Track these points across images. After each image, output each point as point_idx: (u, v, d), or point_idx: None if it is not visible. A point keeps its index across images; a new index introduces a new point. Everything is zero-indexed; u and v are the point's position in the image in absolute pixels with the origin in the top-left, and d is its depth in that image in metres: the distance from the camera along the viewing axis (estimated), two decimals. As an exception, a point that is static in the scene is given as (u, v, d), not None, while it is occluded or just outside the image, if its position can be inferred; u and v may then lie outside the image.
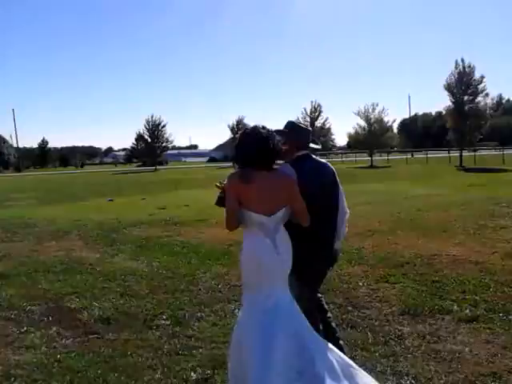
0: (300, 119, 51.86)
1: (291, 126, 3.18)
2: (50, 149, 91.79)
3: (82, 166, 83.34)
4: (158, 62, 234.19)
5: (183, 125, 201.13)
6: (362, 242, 7.33)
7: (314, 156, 3.20)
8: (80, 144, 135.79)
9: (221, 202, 2.88)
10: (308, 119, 51.36)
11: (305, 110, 52.69)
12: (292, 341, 2.57)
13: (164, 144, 55.27)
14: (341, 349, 3.01)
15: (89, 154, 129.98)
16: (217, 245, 7.71)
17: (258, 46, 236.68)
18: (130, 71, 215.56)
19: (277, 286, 2.69)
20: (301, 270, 2.86)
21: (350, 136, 47.12)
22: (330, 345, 2.81)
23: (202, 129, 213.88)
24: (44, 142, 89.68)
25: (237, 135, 2.91)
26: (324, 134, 53.11)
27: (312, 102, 52.98)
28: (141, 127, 56.72)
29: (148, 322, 4.38)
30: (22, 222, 11.27)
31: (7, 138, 79.93)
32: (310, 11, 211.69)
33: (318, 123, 52.29)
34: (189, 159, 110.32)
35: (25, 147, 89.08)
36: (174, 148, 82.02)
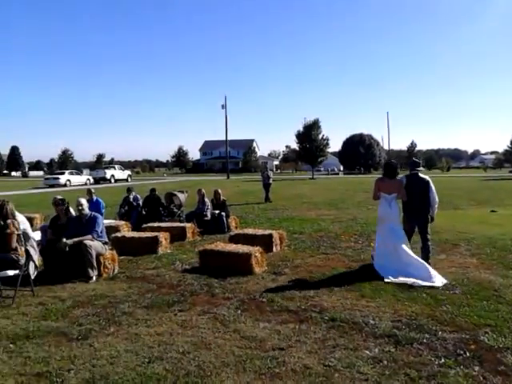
0: None
1: (412, 160, 7.50)
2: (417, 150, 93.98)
3: (448, 170, 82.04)
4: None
5: None
6: None
7: (419, 174, 7.18)
8: (445, 146, 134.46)
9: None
10: None
11: None
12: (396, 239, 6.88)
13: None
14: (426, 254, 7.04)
15: (453, 157, 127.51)
16: None
17: None
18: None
19: (393, 221, 6.89)
20: (405, 219, 7.17)
21: None
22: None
23: None
24: (413, 145, 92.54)
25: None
26: None
27: None
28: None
29: None
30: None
31: (379, 140, 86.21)
32: None
33: None
34: None
35: (392, 149, 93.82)
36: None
